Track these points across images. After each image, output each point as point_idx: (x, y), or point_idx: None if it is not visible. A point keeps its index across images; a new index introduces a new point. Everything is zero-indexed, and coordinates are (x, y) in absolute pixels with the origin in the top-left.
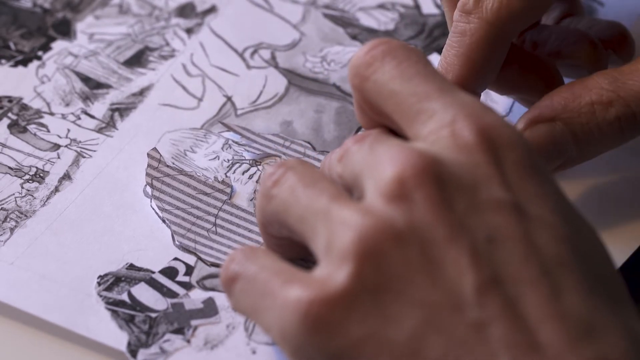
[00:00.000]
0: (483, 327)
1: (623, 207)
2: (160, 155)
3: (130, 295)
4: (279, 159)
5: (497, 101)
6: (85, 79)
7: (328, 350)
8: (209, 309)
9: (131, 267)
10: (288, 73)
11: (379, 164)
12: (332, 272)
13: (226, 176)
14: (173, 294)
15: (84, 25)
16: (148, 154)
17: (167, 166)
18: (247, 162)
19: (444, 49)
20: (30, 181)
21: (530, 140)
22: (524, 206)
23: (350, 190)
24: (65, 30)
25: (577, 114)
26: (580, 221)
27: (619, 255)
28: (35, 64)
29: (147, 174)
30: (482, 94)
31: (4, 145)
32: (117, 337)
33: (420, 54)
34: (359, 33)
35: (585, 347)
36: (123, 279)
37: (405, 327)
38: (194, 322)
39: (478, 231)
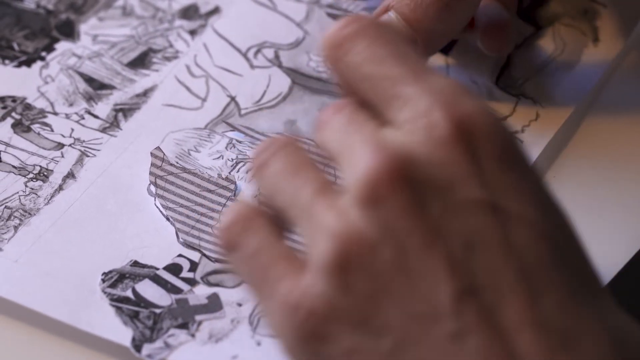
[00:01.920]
0: (460, 338)
1: (624, 208)
2: (164, 154)
3: (134, 291)
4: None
5: (500, 101)
6: (89, 80)
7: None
8: (213, 304)
9: (135, 264)
10: (292, 72)
11: (355, 155)
12: (314, 283)
13: (230, 175)
14: (177, 290)
15: (87, 27)
16: (151, 153)
17: (171, 164)
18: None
19: None
20: (34, 180)
21: None
22: (502, 204)
23: (330, 160)
24: (69, 31)
25: None
26: (559, 213)
27: (620, 257)
28: (38, 64)
29: (151, 173)
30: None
31: (7, 145)
32: (121, 333)
33: (393, 32)
34: None
35: (563, 356)
36: (127, 275)
37: (385, 341)
38: (198, 317)
39: (454, 236)
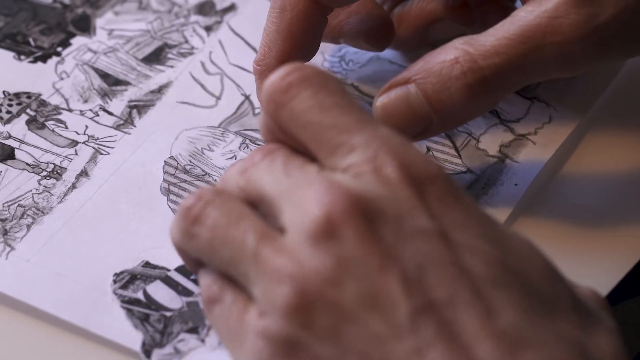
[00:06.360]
0: (421, 352)
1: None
2: (177, 163)
3: (145, 293)
4: None
5: (513, 103)
6: (104, 76)
7: None
8: None
9: (147, 264)
10: None
11: (302, 197)
12: (276, 326)
13: None
14: (188, 292)
15: (103, 21)
16: (165, 162)
17: (185, 172)
18: None
19: (265, 25)
20: (47, 177)
21: (387, 105)
22: (450, 234)
23: (255, 205)
24: (85, 26)
25: (428, 74)
26: (511, 241)
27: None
28: (54, 60)
29: (165, 180)
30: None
31: (22, 142)
32: (132, 337)
33: (337, 82)
34: None
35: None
36: (139, 276)
37: None
38: (208, 321)
39: (407, 259)
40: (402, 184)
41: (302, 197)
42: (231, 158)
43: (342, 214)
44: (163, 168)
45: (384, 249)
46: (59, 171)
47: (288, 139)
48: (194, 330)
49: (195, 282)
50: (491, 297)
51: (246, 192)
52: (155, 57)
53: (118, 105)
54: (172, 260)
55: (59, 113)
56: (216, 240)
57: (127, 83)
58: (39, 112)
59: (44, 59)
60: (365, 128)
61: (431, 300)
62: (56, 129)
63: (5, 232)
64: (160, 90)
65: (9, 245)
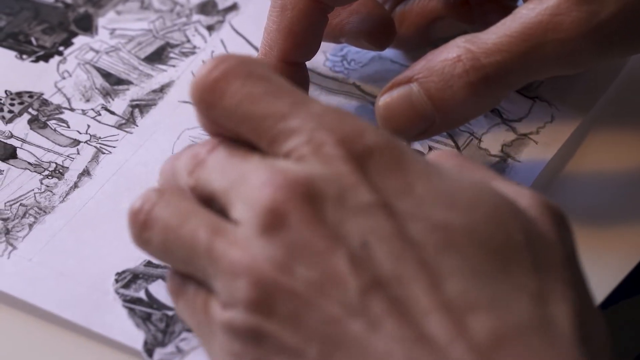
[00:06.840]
0: (374, 329)
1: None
2: None
3: (147, 292)
4: None
5: (515, 102)
6: (106, 75)
7: None
8: None
9: (149, 264)
10: (308, 72)
11: (249, 187)
12: (241, 318)
13: None
14: None
15: (105, 21)
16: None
17: None
18: None
19: (265, 24)
20: (49, 177)
21: (389, 104)
22: (392, 204)
23: (207, 201)
24: (87, 25)
25: (430, 72)
26: (456, 192)
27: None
28: (56, 59)
29: None
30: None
31: (23, 141)
32: (134, 336)
33: (263, 67)
34: None
35: (473, 329)
36: (140, 276)
37: (311, 352)
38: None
39: (352, 238)
40: (342, 160)
41: (248, 188)
42: None
43: (285, 202)
44: None
45: (329, 230)
46: (61, 170)
47: (227, 131)
48: None
49: None
50: (437, 265)
51: (197, 191)
52: (157, 57)
53: (120, 104)
54: None
55: (61, 112)
56: (169, 242)
57: (129, 82)
58: (41, 112)
59: (46, 58)
60: (299, 110)
61: (379, 276)
62: (58, 129)
63: (7, 232)
64: (162, 89)
65: (11, 245)
